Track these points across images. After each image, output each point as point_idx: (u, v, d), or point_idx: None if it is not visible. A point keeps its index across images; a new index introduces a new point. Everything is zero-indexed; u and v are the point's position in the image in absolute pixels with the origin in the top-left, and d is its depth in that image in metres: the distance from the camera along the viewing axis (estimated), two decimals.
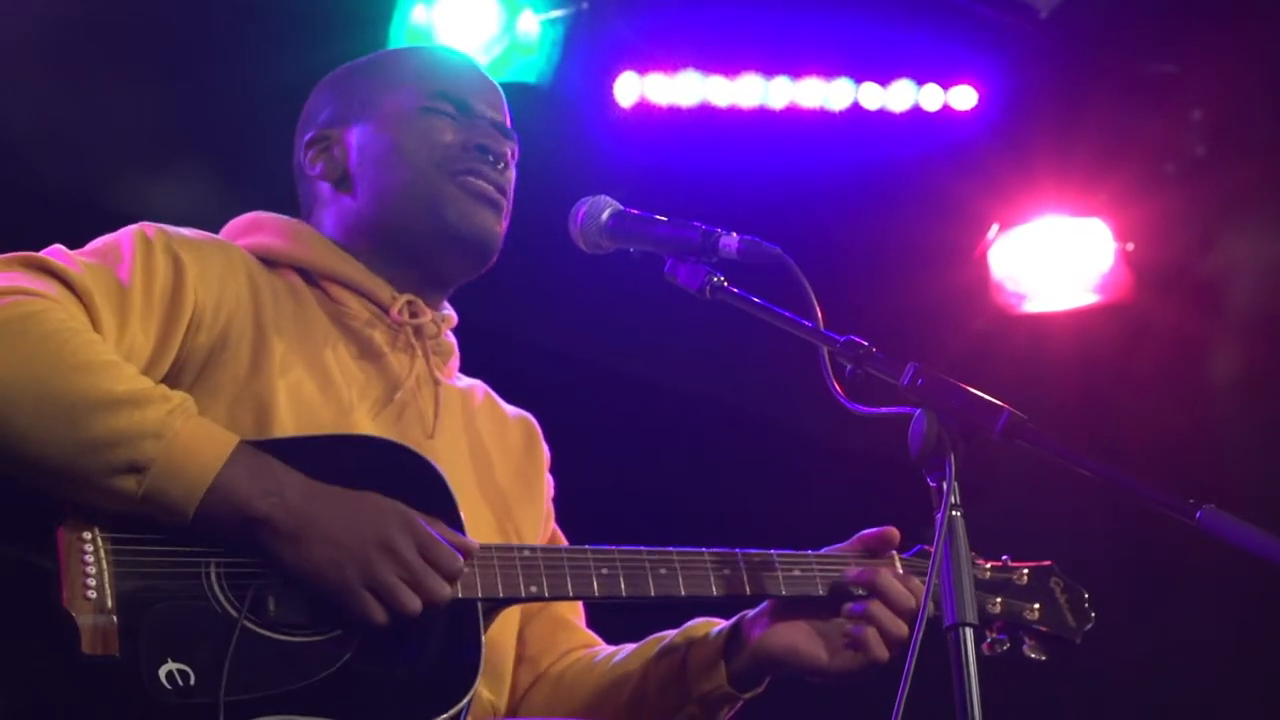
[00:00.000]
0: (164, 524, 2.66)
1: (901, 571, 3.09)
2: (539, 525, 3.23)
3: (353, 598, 2.68)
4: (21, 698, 2.55)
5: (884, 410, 2.73)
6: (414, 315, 3.10)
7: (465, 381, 3.26)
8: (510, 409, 3.31)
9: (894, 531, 3.12)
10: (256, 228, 3.14)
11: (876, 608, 3.01)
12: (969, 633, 2.59)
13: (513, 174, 3.20)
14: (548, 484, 3.31)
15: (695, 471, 6.29)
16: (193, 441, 2.66)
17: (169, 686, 2.57)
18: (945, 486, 2.63)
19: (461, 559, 2.75)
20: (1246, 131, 6.15)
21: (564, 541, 3.29)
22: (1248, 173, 6.16)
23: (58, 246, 2.86)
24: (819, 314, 2.85)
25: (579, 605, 3.30)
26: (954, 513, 2.62)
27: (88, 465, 2.61)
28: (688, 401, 6.33)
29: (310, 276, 3.09)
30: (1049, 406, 5.96)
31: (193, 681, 2.59)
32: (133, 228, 2.94)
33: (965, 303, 6.45)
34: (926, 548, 3.11)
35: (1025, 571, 3.22)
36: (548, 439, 3.34)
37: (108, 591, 2.60)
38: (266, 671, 2.64)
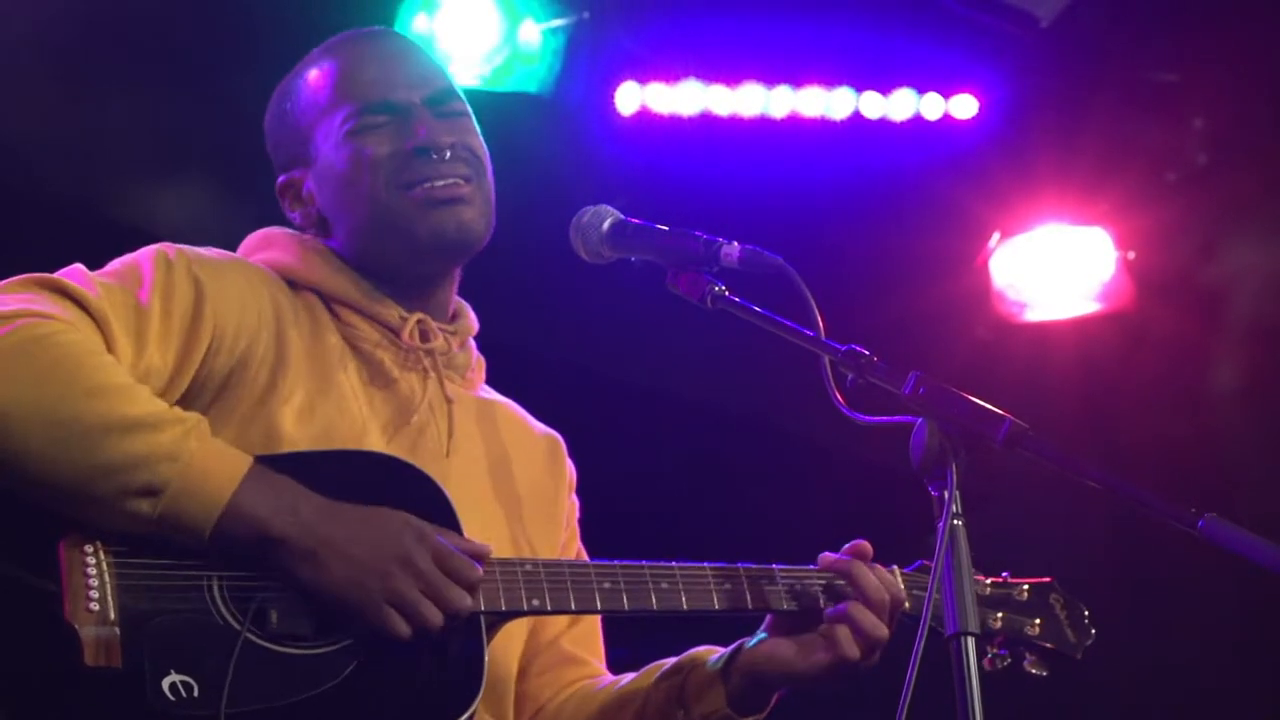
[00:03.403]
0: (178, 545, 2.66)
1: (880, 567, 3.08)
2: (556, 545, 3.20)
3: (376, 613, 2.68)
4: (26, 711, 2.55)
5: (886, 419, 2.74)
6: (424, 337, 3.07)
7: (491, 395, 3.23)
8: (538, 427, 3.27)
9: (864, 545, 3.09)
10: (269, 244, 3.12)
11: (854, 607, 3.00)
12: (970, 642, 2.59)
13: (464, 135, 3.09)
14: (572, 505, 3.27)
15: (696, 478, 6.29)
16: (208, 463, 2.66)
17: (172, 698, 2.57)
18: (946, 496, 2.63)
19: (479, 568, 2.75)
20: (1248, 140, 6.16)
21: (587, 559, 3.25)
22: (1249, 181, 6.17)
23: (77, 267, 2.85)
24: (820, 323, 2.85)
25: (594, 641, 3.28)
26: (955, 522, 2.63)
27: (103, 489, 2.61)
28: (689, 409, 6.33)
29: (325, 297, 3.07)
30: (1050, 415, 5.95)
31: (196, 693, 2.58)
32: (153, 248, 2.93)
33: (967, 311, 6.45)
34: (927, 563, 3.11)
35: (1026, 587, 3.22)
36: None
37: (110, 604, 2.60)
38: (270, 683, 2.64)
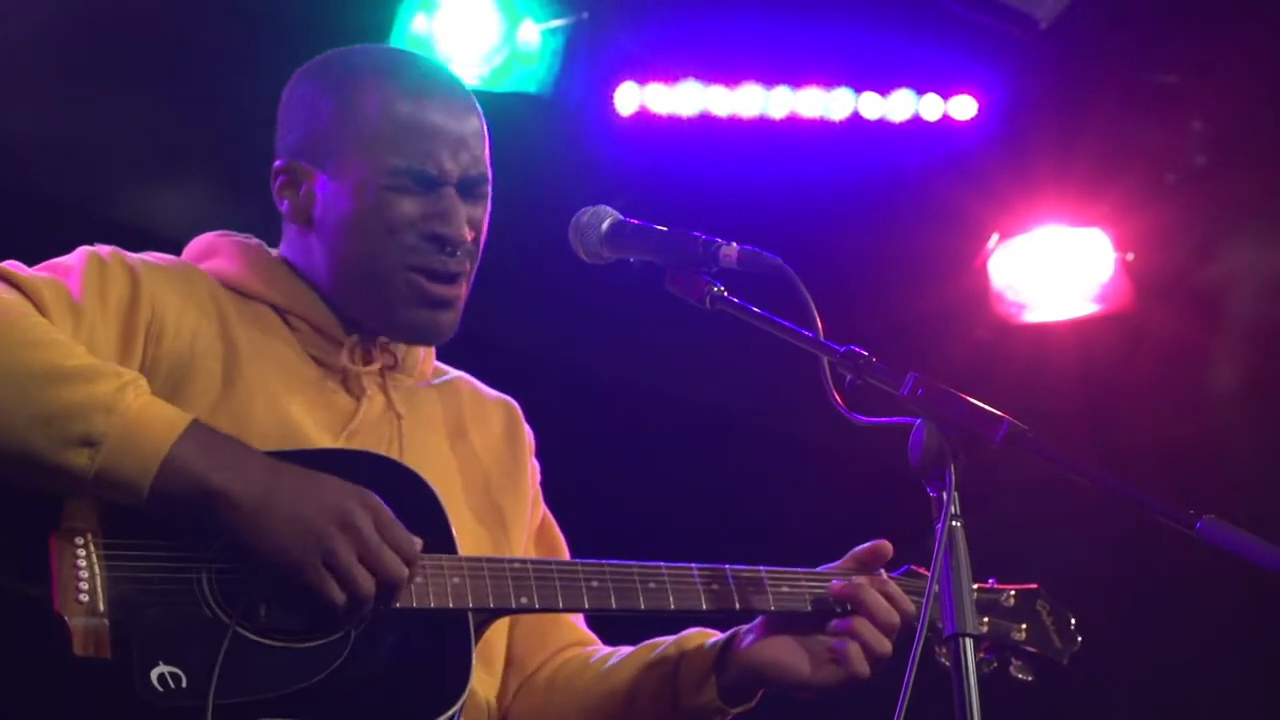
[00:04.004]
0: (122, 506, 2.64)
1: (886, 579, 3.08)
2: (524, 519, 3.20)
3: (313, 574, 2.66)
4: (14, 700, 2.56)
5: (884, 420, 2.74)
6: (366, 358, 3.06)
7: (446, 376, 3.23)
8: (491, 394, 3.27)
9: (886, 545, 3.10)
10: (213, 252, 3.10)
11: (860, 623, 3.01)
12: (969, 643, 2.59)
13: (481, 225, 3.09)
14: (532, 470, 3.27)
15: (697, 479, 6.29)
16: (145, 416, 2.64)
17: (160, 689, 2.59)
18: (945, 497, 2.63)
19: (419, 545, 2.74)
20: (1247, 141, 6.16)
21: (556, 527, 3.28)
22: (1248, 183, 6.17)
23: (10, 261, 2.85)
24: (819, 324, 2.85)
25: None
26: (954, 523, 2.63)
27: (38, 440, 2.59)
28: (689, 410, 6.33)
29: (275, 307, 3.05)
30: (1049, 416, 5.96)
31: (184, 684, 2.60)
32: (83, 248, 2.93)
33: (965, 312, 6.45)
34: (914, 568, 3.13)
35: (1012, 593, 3.22)
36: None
37: (100, 595, 2.61)
38: (258, 675, 2.65)
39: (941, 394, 2.70)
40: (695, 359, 6.02)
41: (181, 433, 2.65)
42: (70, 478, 2.62)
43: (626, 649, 3.20)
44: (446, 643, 2.78)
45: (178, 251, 3.09)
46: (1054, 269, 6.42)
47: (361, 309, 3.05)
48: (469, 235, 3.06)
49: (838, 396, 2.81)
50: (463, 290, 3.09)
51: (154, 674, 2.59)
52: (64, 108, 5.16)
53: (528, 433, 3.29)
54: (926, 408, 2.69)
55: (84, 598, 2.60)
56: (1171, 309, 6.38)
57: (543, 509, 3.28)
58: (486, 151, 3.13)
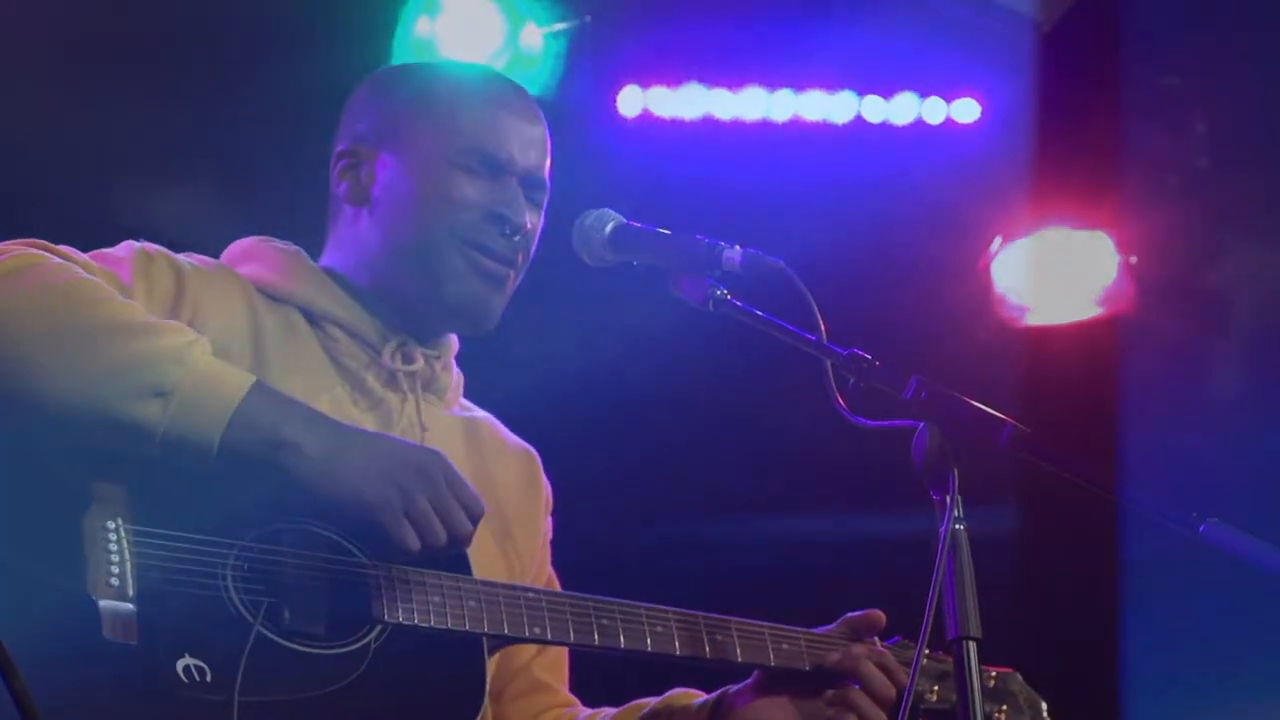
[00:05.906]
0: (149, 492, 2.64)
1: (882, 650, 3.12)
2: (530, 565, 3.20)
3: (389, 519, 2.69)
4: (45, 679, 2.55)
5: (887, 423, 2.74)
6: (406, 359, 3.07)
7: (469, 411, 3.23)
8: (514, 441, 3.28)
9: (879, 614, 3.14)
10: (253, 256, 3.11)
11: (857, 696, 3.05)
12: (972, 646, 2.59)
13: (536, 228, 3.12)
14: (545, 527, 3.28)
15: (698, 480, 6.29)
16: (213, 371, 2.66)
17: (185, 680, 2.59)
18: (948, 500, 2.63)
19: (484, 506, 2.78)
20: (1249, 144, 6.15)
21: (558, 586, 3.27)
22: (1251, 185, 6.17)
23: (64, 247, 2.86)
24: (822, 327, 2.85)
25: (561, 668, 3.29)
26: (957, 526, 2.63)
27: (110, 393, 2.60)
28: (690, 411, 6.33)
29: (309, 313, 3.06)
30: (1051, 419, 5.95)
31: (208, 678, 2.61)
32: (130, 242, 2.96)
33: (968, 315, 6.45)
34: (905, 640, 3.15)
35: (993, 675, 3.26)
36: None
37: (129, 580, 2.61)
38: (280, 677, 2.66)
39: (945, 397, 2.70)
40: (697, 361, 6.01)
41: (250, 388, 2.67)
42: (142, 431, 2.61)
43: (610, 710, 3.21)
44: (461, 664, 2.79)
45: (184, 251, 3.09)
46: (1057, 272, 6.42)
47: (407, 284, 3.05)
48: (524, 225, 3.07)
49: (841, 400, 2.81)
50: (511, 280, 3.10)
51: (179, 665, 2.60)
52: (65, 107, 5.16)
53: (546, 487, 3.29)
54: (930, 411, 2.69)
55: (115, 581, 2.60)
56: (1175, 312, 6.37)
57: (549, 570, 3.28)
58: (548, 165, 3.16)
